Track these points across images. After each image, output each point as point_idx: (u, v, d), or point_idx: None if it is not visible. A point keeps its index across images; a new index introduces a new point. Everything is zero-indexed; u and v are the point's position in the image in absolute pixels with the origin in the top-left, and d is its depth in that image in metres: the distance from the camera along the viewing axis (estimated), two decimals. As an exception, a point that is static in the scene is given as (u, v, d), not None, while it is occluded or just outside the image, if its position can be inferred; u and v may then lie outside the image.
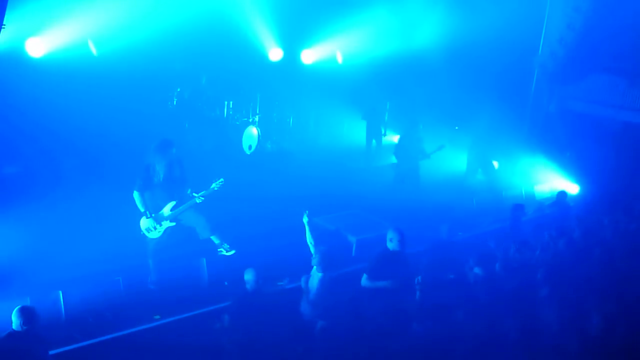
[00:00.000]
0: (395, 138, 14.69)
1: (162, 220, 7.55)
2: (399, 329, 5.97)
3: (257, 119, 12.45)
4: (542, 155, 13.07)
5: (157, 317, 6.89)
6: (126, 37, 9.88)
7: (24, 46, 9.37)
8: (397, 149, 11.37)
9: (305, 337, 5.94)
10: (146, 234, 7.57)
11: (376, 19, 13.14)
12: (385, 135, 13.64)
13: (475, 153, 12.59)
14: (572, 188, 12.27)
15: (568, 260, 7.56)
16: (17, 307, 5.37)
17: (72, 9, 9.47)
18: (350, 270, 7.57)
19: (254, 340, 6.04)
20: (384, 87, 13.79)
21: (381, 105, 13.80)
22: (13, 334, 5.32)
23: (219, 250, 7.90)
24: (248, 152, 12.06)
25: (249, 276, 6.49)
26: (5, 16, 6.06)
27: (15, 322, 5.31)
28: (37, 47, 9.45)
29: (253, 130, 12.14)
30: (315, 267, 6.69)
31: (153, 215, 7.48)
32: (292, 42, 12.92)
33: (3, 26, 6.13)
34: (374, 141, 13.53)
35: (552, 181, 13.00)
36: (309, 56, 13.25)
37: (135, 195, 7.42)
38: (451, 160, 12.40)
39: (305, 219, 7.02)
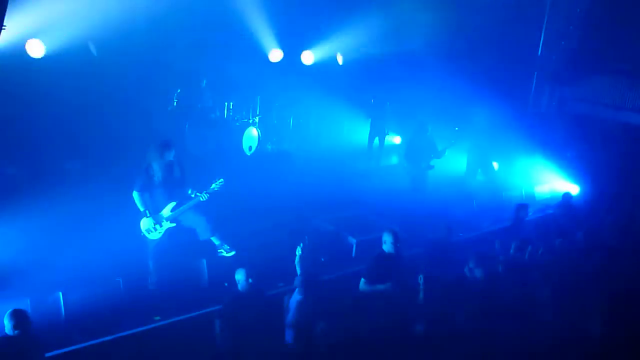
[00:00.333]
0: (396, 139, 14.74)
1: (162, 221, 7.54)
2: (398, 331, 5.97)
3: (257, 120, 12.45)
4: (541, 156, 13.07)
5: (158, 318, 6.88)
6: (126, 38, 9.88)
7: (24, 47, 9.37)
8: (408, 152, 11.17)
9: (299, 339, 5.91)
10: (146, 235, 7.57)
11: (376, 19, 13.13)
12: (387, 134, 13.62)
13: (475, 154, 12.59)
14: (572, 189, 12.26)
15: (569, 261, 7.56)
16: (8, 311, 5.26)
17: (72, 10, 9.46)
18: (351, 272, 7.58)
19: (247, 342, 6.03)
20: (383, 88, 13.80)
21: (383, 105, 13.79)
22: (5, 339, 5.22)
23: (219, 251, 7.90)
24: (248, 153, 12.06)
25: (239, 276, 6.41)
26: (6, 17, 6.06)
27: (6, 326, 5.20)
28: (38, 48, 9.45)
29: (253, 131, 12.14)
30: (297, 288, 6.46)
31: (153, 215, 7.47)
32: (292, 43, 12.91)
33: (4, 27, 6.12)
34: (376, 140, 13.52)
35: (552, 182, 13.00)
36: (309, 57, 13.25)
37: (135, 195, 7.42)
38: (451, 161, 12.39)
39: (298, 251, 6.83)
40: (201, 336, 6.33)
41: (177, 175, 7.59)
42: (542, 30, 13.67)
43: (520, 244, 7.44)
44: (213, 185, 7.55)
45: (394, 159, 14.33)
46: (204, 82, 11.73)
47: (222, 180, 7.56)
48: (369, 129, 13.53)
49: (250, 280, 6.37)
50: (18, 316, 5.21)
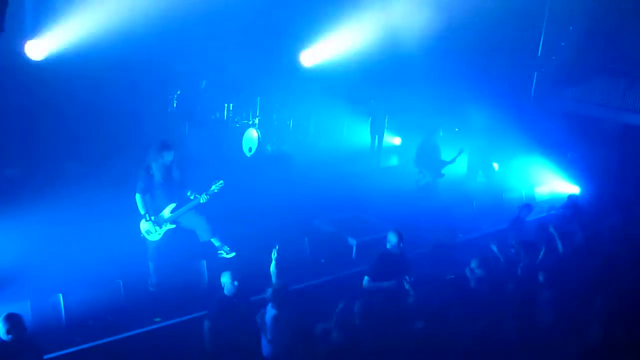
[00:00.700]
0: (396, 140, 14.74)
1: (162, 223, 7.53)
2: (399, 330, 5.97)
3: (257, 121, 12.45)
4: (542, 157, 13.07)
5: (158, 319, 6.89)
6: (126, 40, 9.87)
7: (23, 49, 9.37)
8: (418, 158, 10.98)
9: (299, 340, 5.89)
10: (146, 236, 7.55)
11: (376, 20, 13.13)
12: (387, 135, 13.64)
13: (475, 155, 12.59)
14: (573, 190, 12.25)
15: (569, 262, 7.55)
16: (2, 315, 5.18)
17: (72, 12, 9.47)
18: (351, 273, 7.58)
19: (234, 346, 6.01)
20: (383, 89, 13.81)
21: (383, 106, 13.80)
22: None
23: (219, 252, 7.89)
24: (248, 155, 12.06)
25: (225, 279, 6.36)
26: (5, 19, 6.06)
27: (0, 330, 5.11)
28: (37, 50, 9.45)
29: (253, 133, 12.14)
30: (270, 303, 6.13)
31: (153, 217, 7.46)
32: (292, 45, 12.92)
33: (3, 29, 6.12)
34: (376, 141, 13.52)
35: (552, 183, 13.00)
36: (308, 58, 13.25)
37: (137, 197, 7.40)
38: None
39: (274, 254, 6.63)
40: (201, 337, 6.32)
41: (177, 177, 7.57)
42: (542, 31, 13.68)
43: (524, 245, 7.45)
44: (213, 187, 7.53)
45: (394, 160, 14.34)
46: (204, 83, 11.74)
47: (222, 182, 7.55)
48: (369, 129, 13.54)
49: (235, 283, 6.34)
50: (11, 320, 5.12)
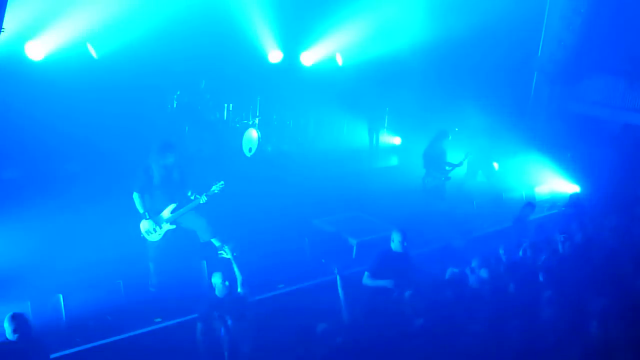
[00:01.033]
0: (395, 140, 14.74)
1: (162, 223, 7.53)
2: (399, 328, 5.97)
3: (257, 121, 12.45)
4: (542, 157, 13.07)
5: (158, 320, 6.88)
6: (126, 40, 9.89)
7: (23, 49, 9.37)
8: (426, 160, 10.81)
9: (303, 340, 5.89)
10: (146, 236, 7.55)
11: (376, 20, 13.14)
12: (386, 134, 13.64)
13: (475, 155, 12.57)
14: (574, 189, 12.26)
15: (570, 262, 7.55)
16: (8, 314, 5.21)
17: (71, 12, 9.47)
18: (351, 273, 7.57)
19: (230, 347, 6.01)
20: (383, 88, 13.82)
21: (382, 106, 13.81)
22: (5, 343, 5.17)
23: (219, 253, 7.88)
24: (248, 155, 12.06)
25: (216, 279, 6.33)
26: (5, 20, 6.06)
27: (7, 329, 5.14)
28: (37, 51, 9.44)
29: (253, 133, 12.14)
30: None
31: (153, 217, 7.46)
32: (292, 44, 12.92)
33: (2, 29, 6.12)
34: (375, 140, 13.51)
35: (552, 182, 13.00)
36: (308, 58, 13.24)
37: (135, 196, 7.40)
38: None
39: (227, 254, 6.62)
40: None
41: (177, 177, 7.57)
42: (542, 31, 13.68)
43: (527, 245, 7.46)
44: (213, 188, 7.53)
45: (394, 160, 14.34)
46: (203, 83, 11.73)
47: (222, 182, 7.55)
48: (368, 129, 13.54)
49: (227, 283, 6.33)
50: (18, 320, 5.15)
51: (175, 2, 10.26)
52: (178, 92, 11.40)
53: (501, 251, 7.53)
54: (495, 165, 13.33)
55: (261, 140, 12.31)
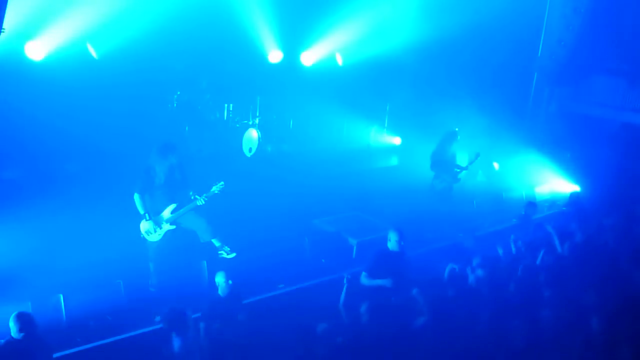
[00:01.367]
0: (395, 140, 14.75)
1: (162, 223, 7.54)
2: (399, 328, 5.98)
3: (257, 121, 12.44)
4: (542, 157, 13.07)
5: (158, 319, 6.87)
6: (126, 40, 9.88)
7: (23, 49, 9.37)
8: (435, 163, 10.62)
9: (304, 340, 5.90)
10: (146, 236, 7.56)
11: (376, 19, 13.14)
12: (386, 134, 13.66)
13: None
14: (573, 189, 12.26)
15: (570, 261, 7.57)
16: (13, 314, 5.27)
17: (71, 12, 9.47)
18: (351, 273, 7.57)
19: (229, 346, 6.01)
20: (383, 88, 13.82)
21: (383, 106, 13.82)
22: (11, 342, 5.23)
23: (219, 253, 7.90)
24: (248, 155, 12.05)
25: (219, 279, 6.36)
26: (5, 20, 6.06)
27: (12, 329, 5.21)
28: (37, 51, 9.44)
29: (253, 133, 12.13)
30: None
31: (153, 218, 7.47)
32: (292, 44, 12.91)
33: (2, 30, 6.12)
34: (375, 140, 13.52)
35: (552, 182, 13.01)
36: (308, 58, 13.24)
37: (136, 197, 7.41)
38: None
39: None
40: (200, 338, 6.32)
41: (178, 178, 7.58)
42: (542, 31, 13.68)
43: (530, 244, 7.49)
44: (214, 188, 7.53)
45: (394, 160, 14.35)
46: (204, 83, 11.72)
47: (222, 183, 7.55)
48: (368, 129, 13.54)
49: (230, 282, 6.35)
50: (23, 319, 5.22)
51: (175, 2, 10.24)
52: (178, 92, 11.40)
53: (500, 251, 7.54)
54: (495, 165, 13.34)
55: (261, 140, 12.31)
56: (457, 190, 10.75)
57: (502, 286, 6.74)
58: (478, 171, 12.73)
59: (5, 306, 5.98)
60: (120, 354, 6.30)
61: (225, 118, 12.13)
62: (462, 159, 10.91)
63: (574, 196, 10.56)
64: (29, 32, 9.32)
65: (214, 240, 7.83)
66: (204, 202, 7.52)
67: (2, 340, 5.32)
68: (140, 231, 7.55)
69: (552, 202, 11.97)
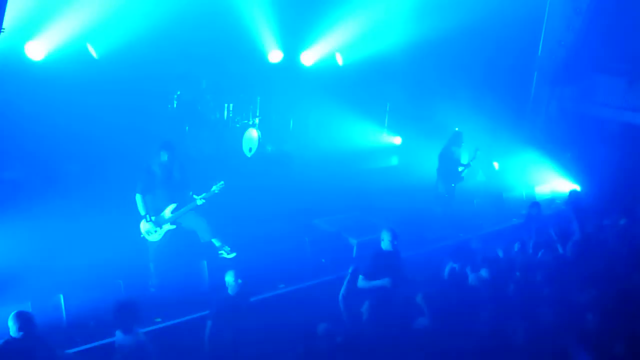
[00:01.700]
0: (396, 139, 14.75)
1: (163, 223, 7.54)
2: (399, 328, 5.99)
3: (257, 121, 12.44)
4: (542, 156, 13.07)
5: (158, 319, 6.89)
6: (126, 40, 9.87)
7: (23, 49, 9.37)
8: (441, 166, 10.58)
9: (304, 339, 5.91)
10: (146, 237, 7.56)
11: (377, 18, 13.14)
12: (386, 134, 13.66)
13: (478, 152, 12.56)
14: (572, 188, 12.27)
15: (569, 261, 7.57)
16: (12, 313, 5.26)
17: (71, 12, 9.47)
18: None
19: (238, 344, 6.02)
20: (383, 88, 13.82)
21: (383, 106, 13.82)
22: (10, 341, 5.21)
23: (219, 253, 7.90)
24: (248, 155, 12.05)
25: (229, 278, 6.40)
26: (5, 19, 6.06)
27: (11, 328, 5.19)
28: (37, 50, 9.44)
29: (253, 133, 12.13)
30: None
31: (153, 218, 7.46)
32: (292, 44, 12.91)
33: (2, 29, 6.12)
34: (375, 140, 13.53)
35: (553, 182, 13.01)
36: (308, 58, 13.24)
37: (138, 198, 7.41)
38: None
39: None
40: (202, 338, 6.33)
41: (178, 177, 7.59)
42: (542, 31, 13.68)
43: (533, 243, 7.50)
44: (214, 188, 7.54)
45: (394, 160, 14.35)
46: (204, 83, 11.72)
47: (222, 182, 7.56)
48: (368, 129, 13.54)
49: (239, 280, 6.37)
50: (22, 318, 5.20)
51: (175, 2, 10.24)
52: (178, 92, 11.39)
53: (501, 253, 7.54)
54: (496, 164, 13.34)
55: (261, 140, 12.30)
56: (458, 190, 10.75)
57: (503, 286, 6.75)
58: (478, 171, 12.73)
59: (6, 306, 5.97)
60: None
61: (225, 118, 12.12)
62: (462, 157, 10.91)
63: (572, 194, 10.56)
64: (29, 31, 9.33)
65: (214, 240, 7.83)
66: (202, 202, 7.51)
67: (1, 340, 5.31)
68: (140, 231, 7.55)
69: (552, 202, 11.97)
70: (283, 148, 13.03)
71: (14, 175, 9.47)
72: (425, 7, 12.77)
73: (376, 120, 14.74)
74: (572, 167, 12.96)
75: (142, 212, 7.42)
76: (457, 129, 11.98)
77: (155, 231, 7.52)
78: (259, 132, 12.27)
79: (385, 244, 6.90)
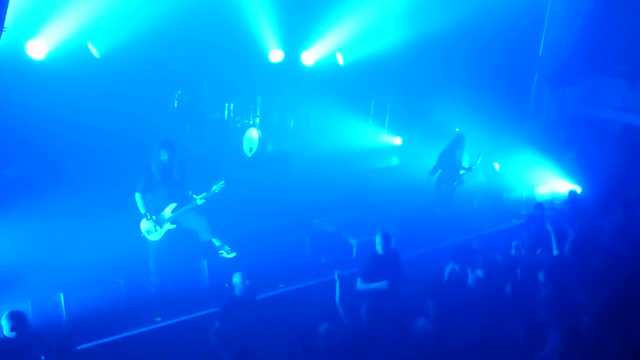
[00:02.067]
0: (396, 140, 14.75)
1: (163, 223, 7.54)
2: (399, 329, 5.99)
3: (257, 121, 12.45)
4: (542, 157, 13.07)
5: (158, 319, 6.89)
6: (127, 39, 9.89)
7: (24, 48, 9.38)
8: (441, 166, 10.49)
9: (303, 339, 5.92)
10: (147, 236, 7.56)
11: (377, 19, 13.14)
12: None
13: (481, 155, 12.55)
14: (572, 189, 12.27)
15: (568, 261, 7.57)
16: (5, 312, 5.21)
17: (72, 12, 9.48)
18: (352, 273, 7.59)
19: (247, 346, 6.02)
20: (384, 88, 13.81)
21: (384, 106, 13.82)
22: (3, 340, 5.18)
23: (219, 252, 7.90)
24: (249, 155, 12.06)
25: (236, 279, 6.44)
26: (6, 19, 6.06)
27: (4, 327, 5.16)
28: (38, 50, 9.45)
29: (254, 133, 12.14)
30: None
31: (154, 217, 7.47)
32: (293, 44, 12.91)
33: (4, 29, 6.13)
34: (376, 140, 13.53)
35: (553, 183, 13.00)
36: (309, 57, 13.24)
37: (137, 197, 7.41)
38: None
39: None
40: (202, 337, 6.33)
41: (178, 176, 7.59)
42: (543, 31, 13.68)
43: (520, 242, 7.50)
44: (214, 187, 7.54)
45: (394, 160, 14.35)
46: (205, 83, 11.73)
47: (223, 182, 7.56)
48: (369, 129, 13.54)
49: (247, 282, 6.39)
50: (15, 317, 5.17)
51: (177, 1, 10.25)
52: (179, 92, 11.41)
53: (500, 255, 7.54)
54: (496, 165, 13.33)
55: (262, 140, 12.31)
56: (458, 190, 10.74)
57: (498, 286, 6.75)
58: (479, 171, 12.73)
59: (5, 305, 5.97)
60: (120, 353, 6.31)
61: (225, 117, 12.13)
62: (463, 160, 10.92)
63: (572, 194, 10.56)
64: (30, 31, 9.34)
65: (214, 240, 7.83)
66: (202, 202, 7.52)
67: None
68: (140, 230, 7.56)
69: (552, 202, 11.97)
70: (283, 148, 13.04)
71: (14, 174, 9.50)
72: (425, 8, 12.77)
73: (377, 121, 14.75)
74: (573, 168, 12.95)
75: (143, 211, 7.43)
76: (457, 129, 12.00)
77: (156, 230, 7.53)
78: (260, 132, 12.28)
79: (379, 247, 6.92)
